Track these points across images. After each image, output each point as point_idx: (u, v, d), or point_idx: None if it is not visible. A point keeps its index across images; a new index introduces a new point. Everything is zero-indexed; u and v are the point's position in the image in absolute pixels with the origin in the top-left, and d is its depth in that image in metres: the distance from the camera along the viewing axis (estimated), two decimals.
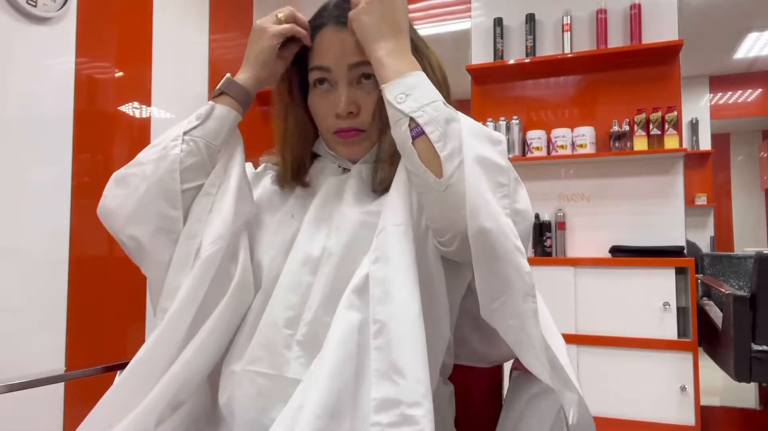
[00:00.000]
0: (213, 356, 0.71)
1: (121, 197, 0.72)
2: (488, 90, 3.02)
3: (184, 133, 0.73)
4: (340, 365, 0.58)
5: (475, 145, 0.61)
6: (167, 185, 0.71)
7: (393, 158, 0.74)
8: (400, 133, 0.63)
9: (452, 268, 0.70)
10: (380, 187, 0.75)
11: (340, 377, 0.57)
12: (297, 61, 0.81)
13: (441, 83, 0.76)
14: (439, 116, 0.62)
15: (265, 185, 0.86)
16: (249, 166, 0.87)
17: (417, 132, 0.62)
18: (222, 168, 0.76)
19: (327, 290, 0.67)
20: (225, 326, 0.71)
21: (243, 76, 0.78)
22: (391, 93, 0.64)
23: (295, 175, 0.82)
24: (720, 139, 5.41)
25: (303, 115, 0.82)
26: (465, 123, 0.63)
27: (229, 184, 0.74)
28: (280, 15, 0.77)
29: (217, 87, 0.77)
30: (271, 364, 0.67)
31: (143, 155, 0.74)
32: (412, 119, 0.62)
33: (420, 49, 0.77)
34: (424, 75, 0.67)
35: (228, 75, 0.78)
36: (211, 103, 0.76)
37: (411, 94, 0.63)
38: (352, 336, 0.60)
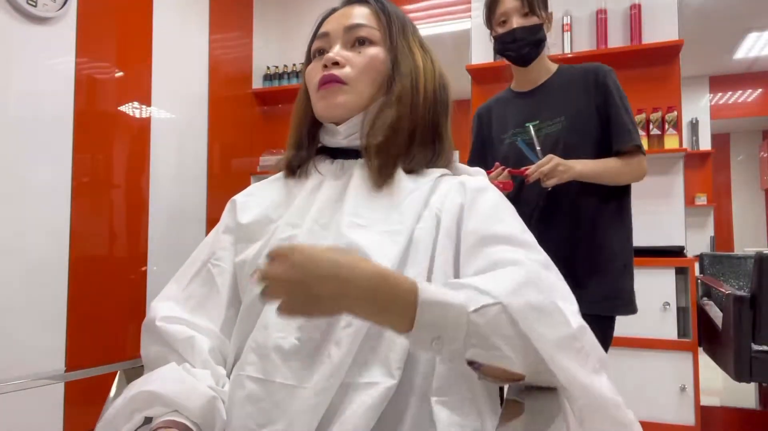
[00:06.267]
0: None
1: None
2: (488, 90, 3.01)
3: None
4: None
5: (540, 330, 0.55)
6: None
7: (385, 135, 0.73)
8: (461, 367, 0.59)
9: None
10: (382, 179, 0.73)
11: None
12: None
13: (438, 89, 0.78)
14: (481, 339, 0.54)
15: (271, 190, 0.82)
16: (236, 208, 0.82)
17: (477, 367, 0.57)
18: None
19: None
20: None
21: None
22: (422, 343, 0.55)
23: (299, 146, 0.81)
24: (720, 139, 5.41)
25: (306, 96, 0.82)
26: (512, 304, 0.55)
27: None
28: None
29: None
30: (260, 368, 0.65)
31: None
32: (469, 361, 0.56)
33: (415, 55, 0.77)
34: (425, 291, 0.54)
35: None
36: None
37: (441, 335, 0.54)
38: None
